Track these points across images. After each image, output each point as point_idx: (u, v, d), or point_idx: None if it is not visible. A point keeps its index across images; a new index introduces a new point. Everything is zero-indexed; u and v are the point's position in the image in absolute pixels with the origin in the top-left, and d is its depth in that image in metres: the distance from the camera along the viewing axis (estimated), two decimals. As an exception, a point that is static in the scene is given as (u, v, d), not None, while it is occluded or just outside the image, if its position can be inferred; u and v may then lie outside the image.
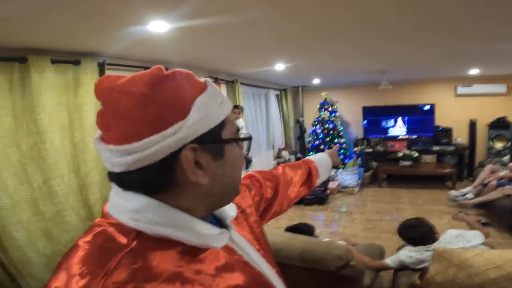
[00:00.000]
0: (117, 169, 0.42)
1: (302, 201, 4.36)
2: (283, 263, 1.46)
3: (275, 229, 3.11)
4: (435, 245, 1.79)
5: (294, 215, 4.05)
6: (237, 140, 0.49)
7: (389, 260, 1.91)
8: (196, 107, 0.42)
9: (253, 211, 0.67)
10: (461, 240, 1.78)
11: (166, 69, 0.45)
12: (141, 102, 0.40)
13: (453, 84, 5.47)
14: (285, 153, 5.64)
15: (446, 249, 1.43)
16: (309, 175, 0.95)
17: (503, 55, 3.20)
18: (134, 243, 0.39)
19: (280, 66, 3.53)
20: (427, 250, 1.78)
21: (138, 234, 0.40)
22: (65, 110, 2.10)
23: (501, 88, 5.11)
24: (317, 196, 4.40)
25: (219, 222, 0.52)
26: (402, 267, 1.86)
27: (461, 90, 5.42)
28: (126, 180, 0.42)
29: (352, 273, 1.41)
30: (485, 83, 5.17)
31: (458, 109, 5.47)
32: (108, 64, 2.32)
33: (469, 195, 3.96)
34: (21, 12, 1.38)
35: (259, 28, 1.97)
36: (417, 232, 1.89)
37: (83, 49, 2.15)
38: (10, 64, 1.84)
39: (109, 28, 1.76)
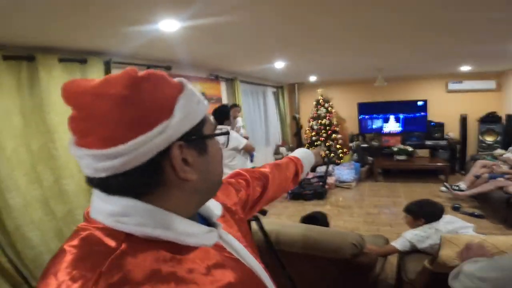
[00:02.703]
0: (102, 174, 0.40)
1: (302, 197, 4.44)
2: (299, 253, 1.51)
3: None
4: (437, 224, 1.90)
5: (295, 210, 4.11)
6: (217, 135, 0.51)
7: (396, 243, 1.98)
8: (179, 106, 0.42)
9: (238, 209, 0.68)
10: (455, 224, 1.90)
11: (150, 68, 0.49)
12: (121, 103, 0.39)
13: (445, 80, 5.63)
14: (282, 149, 5.70)
15: (453, 236, 1.50)
16: (296, 172, 0.99)
17: (494, 53, 3.33)
18: (124, 245, 0.38)
19: (280, 64, 3.57)
20: (430, 228, 1.89)
21: (127, 237, 0.40)
22: (73, 109, 2.09)
23: (491, 84, 5.29)
24: (317, 191, 4.48)
25: (206, 221, 0.53)
26: (409, 249, 1.94)
27: (452, 86, 5.58)
28: (112, 184, 0.41)
29: (367, 261, 1.48)
30: (476, 79, 5.34)
31: (450, 105, 5.63)
32: (114, 63, 2.32)
33: (462, 186, 4.10)
34: (29, 8, 1.38)
35: (263, 27, 2.01)
36: (431, 207, 2.00)
37: (91, 48, 2.14)
38: (18, 63, 1.83)
39: (119, 27, 1.77)
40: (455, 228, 1.85)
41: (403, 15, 1.90)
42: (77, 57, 2.08)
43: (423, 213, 2.00)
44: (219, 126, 2.97)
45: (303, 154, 1.06)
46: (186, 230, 0.43)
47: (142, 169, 0.40)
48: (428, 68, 4.73)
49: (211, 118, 3.62)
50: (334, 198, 4.57)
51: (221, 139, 2.76)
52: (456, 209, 3.71)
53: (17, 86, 1.84)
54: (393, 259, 2.25)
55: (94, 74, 2.17)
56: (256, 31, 2.11)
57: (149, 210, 0.41)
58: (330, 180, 4.93)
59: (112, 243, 0.39)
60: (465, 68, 4.73)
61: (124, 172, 0.40)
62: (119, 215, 0.40)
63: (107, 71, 2.27)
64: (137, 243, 0.39)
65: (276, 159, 5.66)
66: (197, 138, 0.45)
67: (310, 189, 4.49)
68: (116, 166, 0.39)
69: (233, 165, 2.98)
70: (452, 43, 2.71)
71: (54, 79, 1.93)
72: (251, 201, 0.78)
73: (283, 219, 3.89)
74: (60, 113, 1.95)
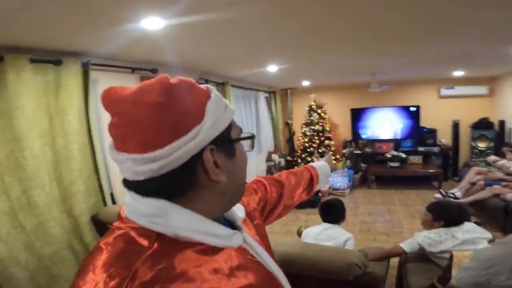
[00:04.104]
0: (141, 177, 0.43)
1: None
2: (297, 274, 1.37)
3: (270, 234, 3.03)
4: (455, 230, 1.79)
5: (288, 219, 3.97)
6: (244, 139, 0.52)
7: (404, 244, 1.89)
8: (209, 112, 0.44)
9: (257, 214, 0.70)
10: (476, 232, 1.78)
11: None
12: (157, 110, 0.41)
13: (437, 86, 5.61)
14: (275, 156, 5.56)
15: (464, 253, 1.39)
16: (311, 182, 0.98)
17: (487, 56, 3.29)
18: (155, 245, 0.41)
19: (272, 68, 3.46)
20: (446, 233, 1.79)
21: (159, 237, 0.42)
22: (45, 114, 1.92)
23: (483, 89, 5.29)
24: (310, 199, 4.34)
25: (231, 224, 0.55)
26: (416, 251, 1.87)
27: (444, 91, 5.56)
28: (148, 186, 0.43)
29: (371, 281, 1.35)
30: (468, 85, 5.34)
31: (442, 111, 5.61)
32: (93, 65, 2.15)
33: (458, 194, 4.03)
34: None
35: (254, 26, 1.89)
36: (457, 212, 1.90)
37: (66, 48, 1.98)
38: (-17, 64, 1.65)
39: (96, 25, 1.62)
40: (472, 238, 1.73)
41: (398, 15, 1.81)
42: (51, 58, 1.90)
43: (447, 216, 1.89)
44: None
45: (318, 164, 1.07)
46: (213, 231, 0.46)
47: (177, 172, 0.43)
48: (421, 73, 4.70)
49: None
50: (327, 206, 4.45)
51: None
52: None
53: (-19, 89, 1.66)
54: (391, 270, 2.13)
55: (71, 77, 1.99)
56: (248, 31, 1.99)
57: (179, 212, 0.44)
58: (324, 188, 4.81)
59: (144, 242, 0.41)
60: (458, 73, 4.71)
61: (160, 175, 0.42)
62: (152, 215, 0.43)
63: (85, 73, 2.09)
64: (167, 243, 0.42)
65: (268, 166, 5.51)
66: (226, 142, 0.47)
67: (303, 197, 4.37)
68: (154, 169, 0.42)
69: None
70: (447, 45, 2.65)
71: (24, 82, 1.76)
72: (269, 207, 0.80)
73: (276, 228, 3.73)
74: (29, 118, 1.77)
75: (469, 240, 1.71)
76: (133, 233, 0.42)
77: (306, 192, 0.96)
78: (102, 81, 2.32)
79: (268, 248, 0.62)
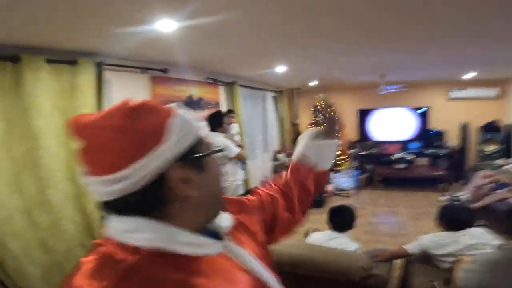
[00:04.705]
0: (112, 197, 0.45)
1: (300, 205, 4.32)
2: (304, 275, 1.40)
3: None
4: (459, 235, 1.79)
5: (293, 220, 3.99)
6: (212, 152, 0.53)
7: (408, 246, 1.91)
8: (171, 130, 0.46)
9: (258, 228, 0.68)
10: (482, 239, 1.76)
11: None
12: (118, 133, 0.44)
13: (447, 88, 5.56)
14: (281, 156, 5.59)
15: (469, 258, 1.41)
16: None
17: (501, 59, 3.25)
18: (133, 258, 0.43)
19: (281, 69, 3.47)
20: (449, 238, 1.79)
21: (137, 250, 0.44)
22: (61, 114, 1.96)
23: (492, 92, 5.23)
24: (315, 199, 4.35)
25: (217, 235, 0.56)
26: (419, 253, 1.87)
27: (454, 94, 5.51)
28: (120, 205, 0.45)
29: (376, 283, 1.37)
30: (478, 87, 5.28)
31: (451, 113, 5.56)
32: (107, 65, 2.19)
33: (464, 197, 4.01)
34: (15, 5, 1.26)
35: (263, 27, 1.91)
36: (456, 215, 1.89)
37: (81, 48, 2.02)
38: (2, 64, 1.71)
39: (113, 27, 1.66)
40: (476, 244, 1.71)
41: (412, 16, 1.80)
42: (66, 58, 1.95)
43: (445, 219, 1.90)
44: (212, 133, 2.85)
45: (298, 150, 0.88)
46: (188, 241, 0.47)
47: (146, 190, 0.44)
48: (431, 74, 4.66)
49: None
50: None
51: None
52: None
53: (0, 89, 1.71)
54: (394, 272, 2.15)
55: (85, 76, 2.04)
56: (257, 31, 2.01)
57: (156, 227, 0.46)
58: (329, 187, 4.83)
59: (123, 256, 0.43)
60: (469, 75, 4.65)
61: (130, 193, 0.44)
62: (130, 231, 0.45)
63: (99, 73, 2.14)
64: (146, 255, 0.43)
65: (274, 165, 5.54)
66: (194, 158, 0.48)
67: (308, 197, 4.38)
68: (122, 189, 0.44)
69: (223, 172, 2.85)
70: (461, 46, 2.63)
71: (41, 81, 1.81)
72: (276, 220, 0.76)
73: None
74: (46, 117, 1.82)
75: (473, 245, 1.70)
76: (113, 248, 0.44)
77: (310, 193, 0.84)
78: (114, 81, 2.36)
79: (265, 257, 0.62)
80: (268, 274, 0.57)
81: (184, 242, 0.47)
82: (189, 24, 1.70)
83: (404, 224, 3.77)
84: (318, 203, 4.36)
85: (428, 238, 1.87)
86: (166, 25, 1.69)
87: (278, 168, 5.55)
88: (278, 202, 0.78)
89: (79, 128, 0.46)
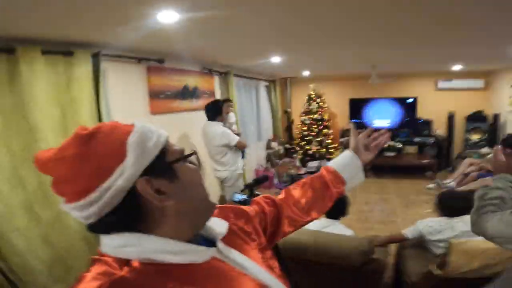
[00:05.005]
0: (91, 220, 0.47)
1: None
2: (310, 260, 1.46)
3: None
4: (456, 221, 1.85)
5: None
6: (182, 159, 0.53)
7: (407, 232, 1.98)
8: (131, 147, 0.47)
9: (259, 233, 0.70)
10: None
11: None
12: (78, 161, 0.45)
13: (434, 78, 5.69)
14: (274, 144, 5.64)
15: (461, 242, 1.50)
16: (325, 188, 0.87)
17: (487, 53, 3.35)
18: (124, 270, 0.45)
19: (276, 59, 3.46)
20: (446, 223, 1.86)
21: (128, 262, 0.46)
22: (58, 105, 1.92)
23: (479, 83, 5.39)
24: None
25: (211, 242, 0.56)
26: (417, 238, 1.94)
27: (441, 84, 5.65)
28: (104, 225, 0.48)
29: (376, 267, 1.45)
30: (465, 78, 5.43)
31: (438, 102, 5.71)
32: (104, 55, 2.14)
33: (451, 184, 4.19)
34: None
35: (261, 20, 1.90)
36: (452, 202, 1.94)
37: (77, 39, 1.95)
38: (-4, 56, 1.64)
39: (115, 19, 1.61)
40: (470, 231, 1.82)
41: (403, 9, 1.82)
42: (61, 49, 1.89)
43: (442, 205, 1.96)
44: (212, 122, 2.85)
45: (340, 160, 0.92)
46: (177, 250, 0.49)
47: (121, 208, 0.46)
48: (420, 66, 4.75)
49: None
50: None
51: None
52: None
53: (-5, 81, 1.65)
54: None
55: (81, 68, 1.98)
56: (255, 24, 1.99)
57: (142, 239, 0.48)
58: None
59: (115, 269, 0.45)
60: (456, 67, 4.78)
61: (106, 214, 0.46)
62: (119, 246, 0.47)
63: (96, 64, 2.08)
64: (137, 267, 0.46)
65: (268, 153, 5.59)
66: (160, 169, 0.49)
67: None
68: (96, 211, 0.46)
69: (224, 161, 2.88)
70: (449, 40, 2.68)
71: (37, 73, 1.75)
72: (270, 229, 0.77)
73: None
74: (43, 109, 1.78)
75: (468, 232, 1.79)
76: (107, 262, 0.46)
77: (322, 203, 0.86)
78: (110, 72, 2.31)
79: (268, 259, 0.64)
80: (269, 276, 0.57)
81: (173, 251, 0.48)
82: (191, 15, 1.67)
83: (395, 211, 3.92)
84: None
85: (424, 224, 1.94)
86: (168, 17, 1.66)
87: (271, 156, 5.61)
88: (282, 208, 0.79)
89: (42, 165, 0.47)
